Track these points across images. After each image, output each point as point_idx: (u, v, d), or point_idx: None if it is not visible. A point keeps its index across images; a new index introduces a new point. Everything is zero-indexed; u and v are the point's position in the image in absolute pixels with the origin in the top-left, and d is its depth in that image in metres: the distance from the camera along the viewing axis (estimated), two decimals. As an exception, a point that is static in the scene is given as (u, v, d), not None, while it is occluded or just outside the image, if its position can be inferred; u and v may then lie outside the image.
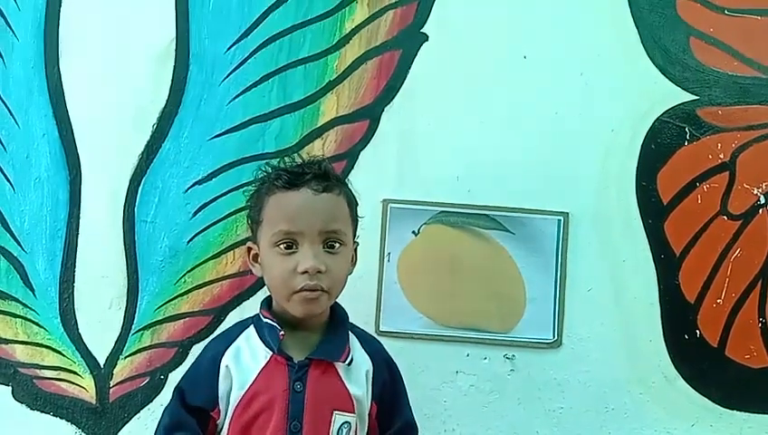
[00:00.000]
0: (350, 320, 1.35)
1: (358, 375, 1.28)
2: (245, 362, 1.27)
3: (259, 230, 1.29)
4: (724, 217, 1.60)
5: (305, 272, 1.22)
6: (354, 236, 1.33)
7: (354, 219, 1.32)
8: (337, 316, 1.32)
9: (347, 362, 1.27)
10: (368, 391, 1.29)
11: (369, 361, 1.31)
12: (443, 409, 1.60)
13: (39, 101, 1.64)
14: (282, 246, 1.24)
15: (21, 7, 1.64)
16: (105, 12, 1.64)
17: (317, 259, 1.22)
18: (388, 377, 1.33)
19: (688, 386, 1.60)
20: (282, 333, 1.26)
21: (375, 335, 1.47)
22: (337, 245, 1.26)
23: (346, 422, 1.25)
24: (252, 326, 1.31)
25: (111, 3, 1.65)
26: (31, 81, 1.64)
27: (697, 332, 1.60)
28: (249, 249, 1.32)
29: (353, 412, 1.26)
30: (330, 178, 1.28)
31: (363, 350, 1.32)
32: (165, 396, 1.60)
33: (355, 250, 1.34)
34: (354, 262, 1.34)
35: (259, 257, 1.30)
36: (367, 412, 1.29)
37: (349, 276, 1.32)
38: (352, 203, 1.32)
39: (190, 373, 1.33)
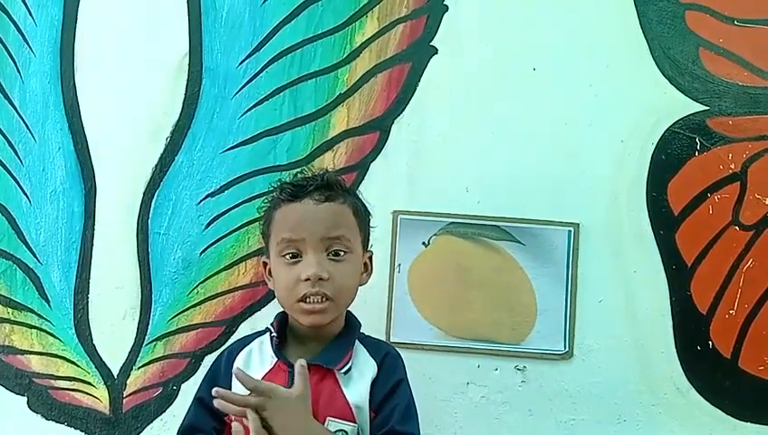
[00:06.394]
0: (361, 331, 1.35)
1: (359, 383, 1.26)
2: (253, 366, 1.29)
3: (269, 243, 1.31)
4: (736, 228, 1.60)
5: (308, 279, 1.23)
6: (366, 245, 1.34)
7: (363, 228, 1.33)
8: (347, 326, 1.33)
9: (344, 371, 1.26)
10: (368, 398, 1.26)
11: (375, 367, 1.28)
12: (454, 420, 1.60)
13: (55, 115, 1.67)
14: (287, 256, 1.26)
15: (38, 23, 1.68)
16: (119, 27, 1.68)
17: (319, 266, 1.24)
18: (390, 385, 1.28)
19: (701, 398, 1.59)
20: (274, 336, 1.28)
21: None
22: (342, 252, 1.27)
23: (341, 430, 1.23)
24: (267, 333, 1.33)
25: (126, 18, 1.68)
26: (47, 95, 1.68)
27: (710, 343, 1.59)
28: (264, 263, 1.34)
29: (352, 421, 1.24)
30: (332, 188, 1.30)
31: (371, 357, 1.30)
32: (178, 406, 1.62)
33: (370, 259, 1.35)
34: (369, 272, 1.35)
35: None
36: (368, 421, 1.27)
37: (361, 286, 1.32)
38: (360, 212, 1.33)
39: (209, 376, 1.34)
